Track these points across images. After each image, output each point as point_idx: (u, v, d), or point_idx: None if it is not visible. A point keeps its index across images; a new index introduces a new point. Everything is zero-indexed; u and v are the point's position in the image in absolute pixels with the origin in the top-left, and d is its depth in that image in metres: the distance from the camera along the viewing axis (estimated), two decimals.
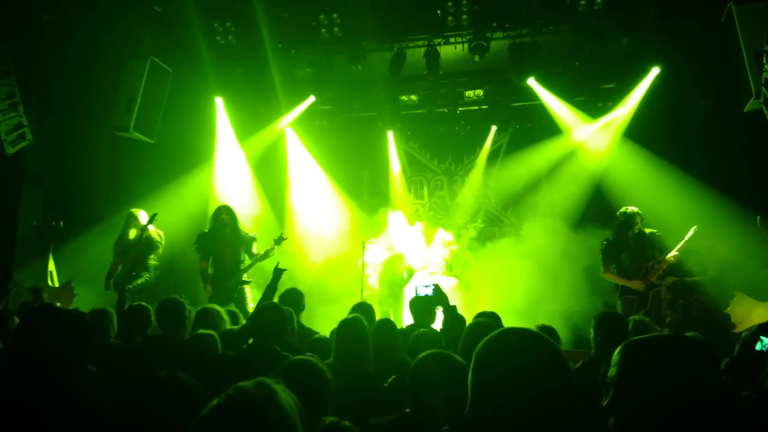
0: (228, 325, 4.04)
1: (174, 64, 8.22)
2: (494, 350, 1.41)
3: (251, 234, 7.11)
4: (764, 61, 5.59)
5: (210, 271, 6.87)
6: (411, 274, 8.55)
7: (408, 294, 7.81)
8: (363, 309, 4.68)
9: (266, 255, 6.85)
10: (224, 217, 6.94)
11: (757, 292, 6.35)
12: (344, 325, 3.55)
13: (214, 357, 3.24)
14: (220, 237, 6.89)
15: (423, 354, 2.41)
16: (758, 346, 3.47)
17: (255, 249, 6.94)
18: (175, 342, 3.73)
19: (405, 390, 3.00)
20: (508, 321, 8.05)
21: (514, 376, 1.34)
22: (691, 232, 5.88)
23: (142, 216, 6.90)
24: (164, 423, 1.61)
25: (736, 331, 6.36)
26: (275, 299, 4.65)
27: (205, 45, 7.89)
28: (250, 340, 3.53)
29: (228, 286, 6.76)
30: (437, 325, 4.66)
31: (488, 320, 3.62)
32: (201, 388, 1.81)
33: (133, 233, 6.82)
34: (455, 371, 2.32)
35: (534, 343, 1.41)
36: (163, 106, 8.15)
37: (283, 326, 3.49)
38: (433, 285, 4.28)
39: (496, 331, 1.46)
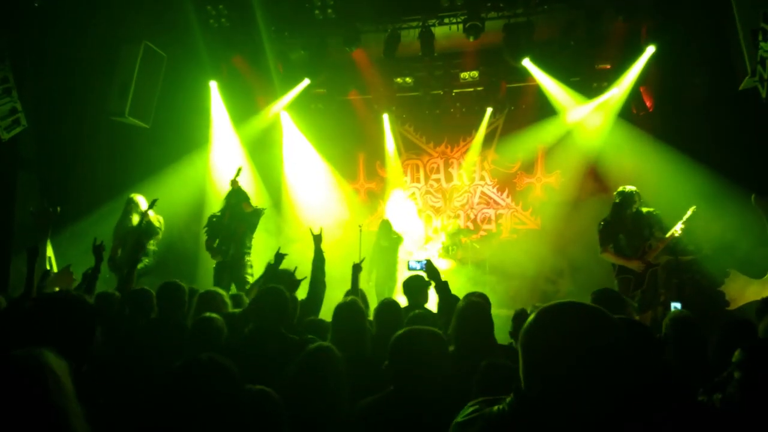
0: (230, 309, 4.06)
1: (168, 48, 8.15)
2: (560, 328, 1.30)
3: (258, 209, 7.03)
4: (759, 38, 5.56)
5: (218, 259, 6.84)
6: (399, 240, 8.62)
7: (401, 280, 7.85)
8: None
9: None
10: (231, 200, 6.94)
11: (752, 270, 6.42)
12: (341, 308, 3.57)
13: (222, 341, 3.26)
14: (228, 218, 6.88)
15: (401, 331, 2.42)
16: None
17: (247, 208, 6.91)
18: (176, 325, 3.77)
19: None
20: (504, 302, 8.15)
21: (586, 360, 1.25)
22: (689, 212, 5.91)
23: (142, 202, 6.90)
24: (205, 404, 1.62)
25: (730, 308, 6.45)
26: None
27: (199, 28, 7.83)
28: (250, 326, 3.55)
29: (232, 269, 6.76)
30: (432, 306, 4.70)
31: (480, 300, 3.64)
32: (238, 371, 1.83)
33: (134, 219, 6.82)
34: (435, 347, 2.35)
35: (603, 321, 1.30)
36: (158, 90, 8.10)
37: (286, 310, 3.51)
38: (425, 260, 4.29)
39: (553, 305, 1.35)
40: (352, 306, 3.56)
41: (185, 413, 1.59)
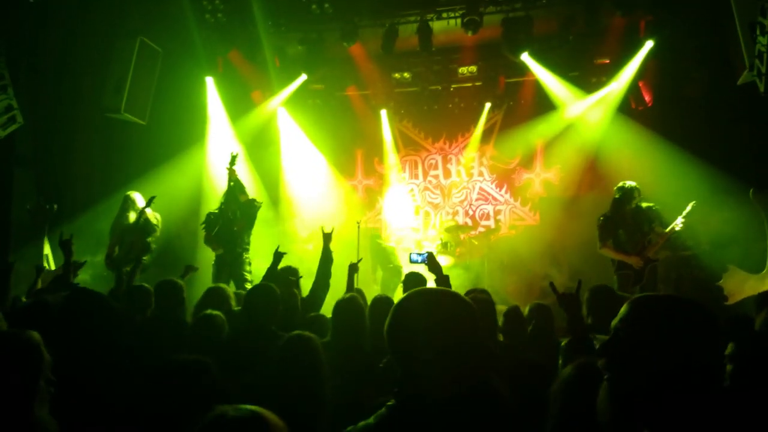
0: (234, 306, 4.05)
1: (163, 44, 8.10)
2: (407, 309, 1.47)
3: (254, 200, 6.97)
4: (757, 32, 5.55)
5: (219, 251, 6.83)
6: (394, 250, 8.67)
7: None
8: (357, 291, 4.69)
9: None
10: (228, 197, 6.89)
11: (750, 264, 6.42)
12: (341, 304, 3.56)
13: (222, 338, 3.26)
14: (224, 218, 6.85)
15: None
16: None
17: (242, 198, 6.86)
18: (175, 322, 3.76)
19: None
20: (502, 298, 8.14)
21: (424, 333, 1.40)
22: (689, 207, 5.90)
23: (139, 199, 6.87)
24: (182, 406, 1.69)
25: (728, 303, 6.45)
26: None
27: (195, 23, 7.78)
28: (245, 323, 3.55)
29: (231, 266, 6.74)
30: None
31: (483, 296, 3.63)
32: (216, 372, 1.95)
33: (131, 216, 6.79)
34: None
35: (446, 300, 1.48)
36: (154, 86, 8.06)
37: (276, 307, 3.51)
38: (426, 253, 4.28)
39: (411, 291, 1.53)
40: (352, 302, 3.55)
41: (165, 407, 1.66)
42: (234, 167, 6.80)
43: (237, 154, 6.83)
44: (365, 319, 3.53)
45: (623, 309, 1.42)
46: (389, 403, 1.48)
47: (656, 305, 1.39)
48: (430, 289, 1.54)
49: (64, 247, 4.46)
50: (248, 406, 1.33)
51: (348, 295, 3.70)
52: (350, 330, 3.39)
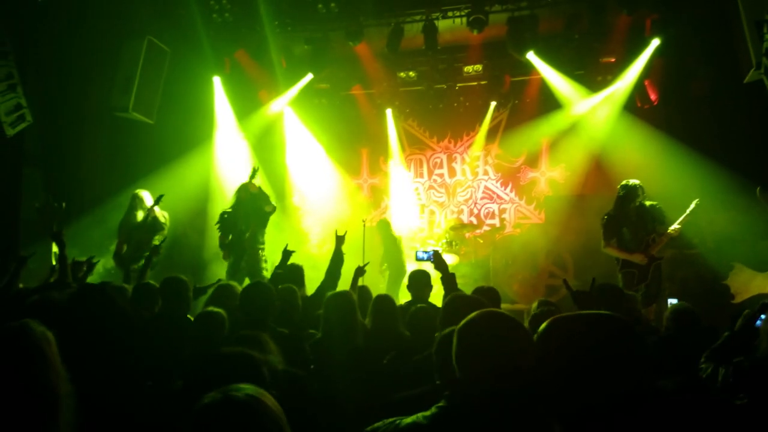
0: None
1: (171, 43, 8.17)
2: (471, 328, 1.70)
3: (269, 208, 7.02)
4: (764, 30, 5.54)
5: (230, 260, 6.90)
6: (399, 240, 8.68)
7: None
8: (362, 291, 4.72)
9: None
10: (242, 195, 6.96)
11: (756, 263, 6.41)
12: (331, 299, 3.56)
13: (223, 335, 3.29)
14: (239, 216, 6.92)
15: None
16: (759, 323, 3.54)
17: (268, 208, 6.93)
18: (179, 319, 3.79)
19: (405, 365, 3.03)
20: (507, 297, 8.16)
21: (486, 347, 1.64)
22: (692, 206, 5.89)
23: (147, 197, 6.93)
24: None
25: (735, 301, 6.44)
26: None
27: (202, 23, 7.83)
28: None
29: (247, 264, 6.82)
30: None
31: (481, 296, 3.60)
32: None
33: (139, 215, 6.85)
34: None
35: (504, 322, 1.72)
36: (162, 86, 8.13)
37: (272, 302, 3.53)
38: (432, 250, 4.31)
39: (474, 314, 1.75)
40: (342, 297, 3.55)
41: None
42: (255, 181, 6.86)
43: (258, 168, 6.90)
44: (356, 314, 3.53)
45: (540, 330, 1.43)
46: (440, 404, 1.62)
47: (564, 332, 1.40)
48: (496, 316, 1.73)
49: (55, 239, 4.51)
50: (243, 386, 1.29)
51: (339, 290, 3.71)
52: (340, 325, 3.39)
